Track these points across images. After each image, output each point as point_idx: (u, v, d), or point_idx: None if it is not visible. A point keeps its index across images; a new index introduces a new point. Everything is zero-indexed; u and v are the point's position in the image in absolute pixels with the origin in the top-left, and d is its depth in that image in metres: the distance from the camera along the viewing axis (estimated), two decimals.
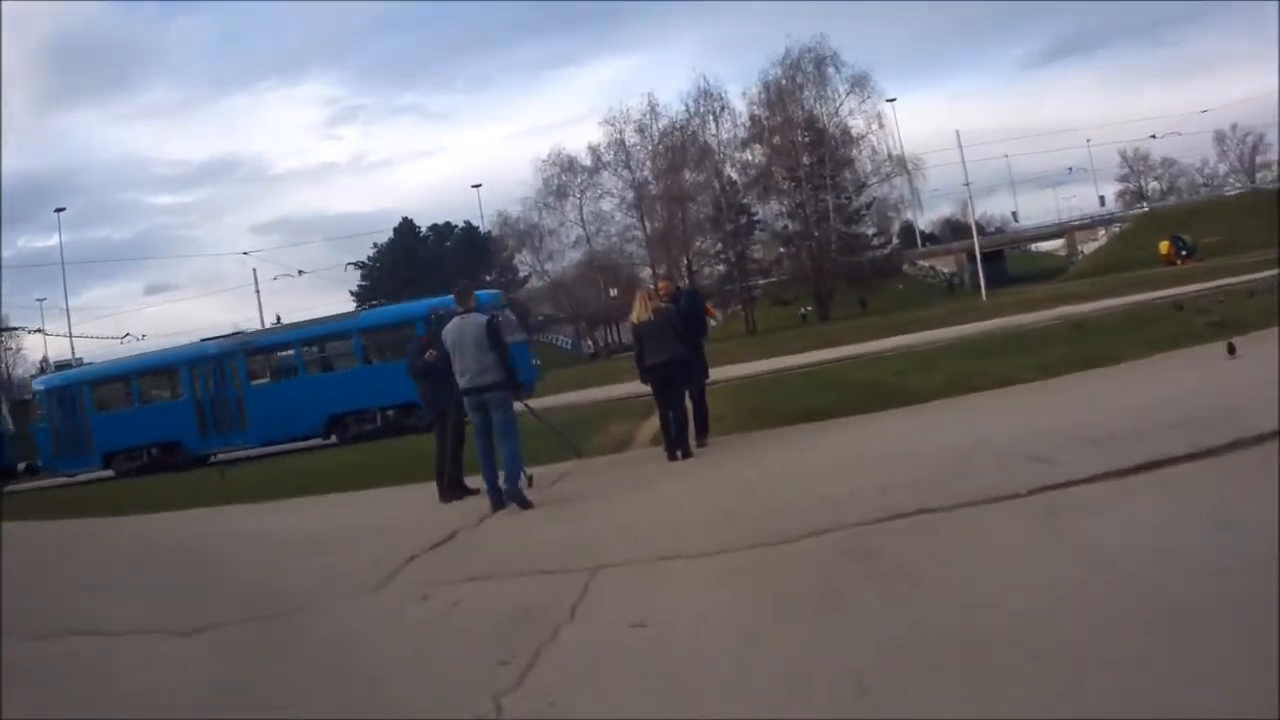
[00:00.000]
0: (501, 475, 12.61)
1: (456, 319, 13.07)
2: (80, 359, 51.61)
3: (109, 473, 35.62)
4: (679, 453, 14.47)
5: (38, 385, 39.81)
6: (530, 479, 13.24)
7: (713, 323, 18.82)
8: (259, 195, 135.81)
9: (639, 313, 14.80)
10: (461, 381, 12.88)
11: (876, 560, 7.61)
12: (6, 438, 42.49)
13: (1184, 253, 78.96)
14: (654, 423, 16.43)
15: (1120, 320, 26.17)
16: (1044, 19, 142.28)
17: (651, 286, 15.36)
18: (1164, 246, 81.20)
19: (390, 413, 33.41)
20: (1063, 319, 32.47)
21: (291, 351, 36.74)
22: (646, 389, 15.30)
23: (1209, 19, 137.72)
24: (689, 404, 15.08)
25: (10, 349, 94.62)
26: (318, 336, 36.78)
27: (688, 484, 12.44)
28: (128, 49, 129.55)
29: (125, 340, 67.30)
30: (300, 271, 77.00)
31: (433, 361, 13.60)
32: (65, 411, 36.82)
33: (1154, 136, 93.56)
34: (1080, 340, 21.79)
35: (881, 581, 7.11)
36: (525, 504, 12.37)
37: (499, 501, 12.53)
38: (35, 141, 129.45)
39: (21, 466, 40.51)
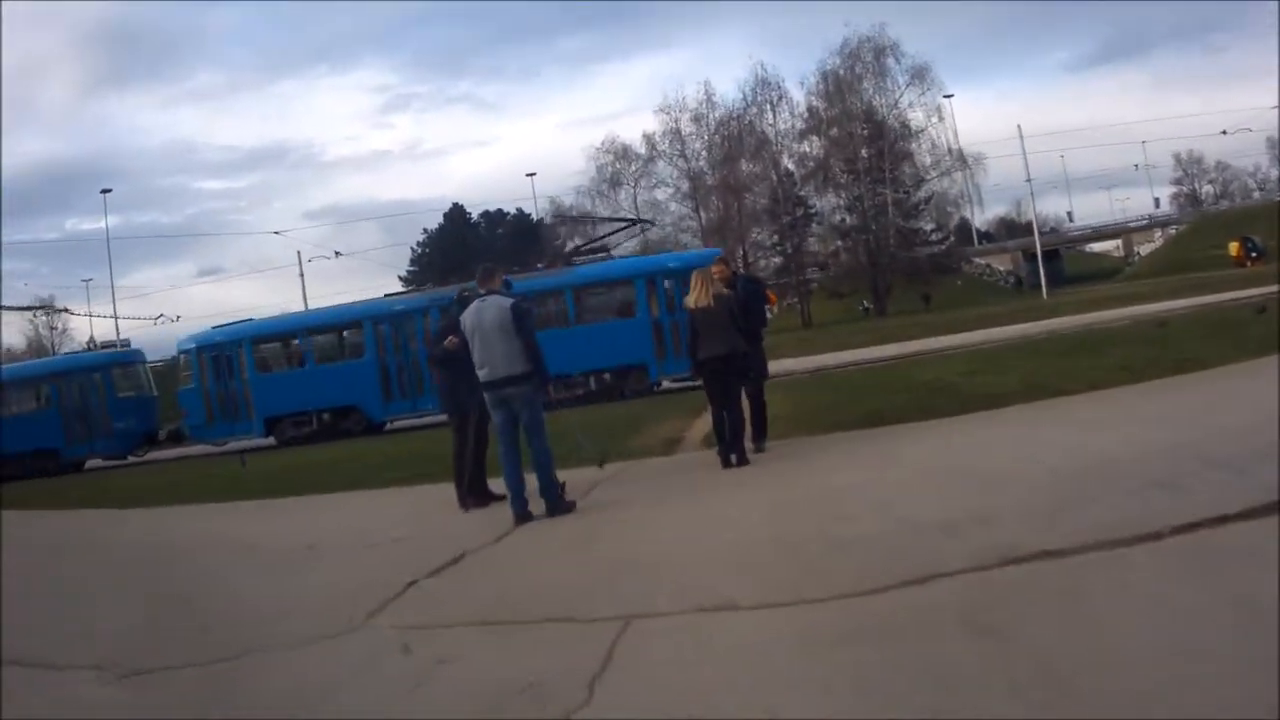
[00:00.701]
0: (530, 482, 11.24)
1: (476, 301, 11.55)
2: (126, 340, 49.80)
3: (269, 441, 34.15)
4: (734, 458, 12.75)
5: (185, 344, 36.44)
6: (562, 486, 11.58)
7: (772, 312, 17.33)
8: (310, 181, 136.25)
9: (698, 297, 13.04)
10: (482, 374, 11.39)
11: (1003, 639, 5.58)
12: (150, 402, 39.93)
13: (1254, 254, 75.85)
14: (706, 421, 14.73)
15: (1201, 322, 23.98)
16: (1090, 22, 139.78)
17: (709, 269, 13.42)
18: (1234, 247, 78.46)
19: (607, 375, 32.25)
20: (1135, 319, 30.77)
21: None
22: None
23: (1256, 24, 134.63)
24: (745, 403, 13.44)
25: (56, 329, 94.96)
26: (524, 294, 33.48)
27: (744, 499, 10.63)
28: (176, 34, 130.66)
29: (159, 321, 65.68)
30: (337, 253, 76.07)
31: (453, 350, 12.03)
32: (219, 373, 34.76)
33: (1225, 132, 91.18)
34: (1162, 342, 19.72)
35: (1013, 673, 5.09)
36: (565, 507, 11.14)
37: (523, 514, 11.08)
38: (83, 125, 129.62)
39: (163, 434, 38.35)
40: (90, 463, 37.42)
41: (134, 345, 44.23)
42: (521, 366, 11.14)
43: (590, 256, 36.59)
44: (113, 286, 75.70)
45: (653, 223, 35.73)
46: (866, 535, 8.09)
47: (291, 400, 33.91)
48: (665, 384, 32.52)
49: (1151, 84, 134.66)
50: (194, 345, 35.67)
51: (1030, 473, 9.51)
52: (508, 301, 11.33)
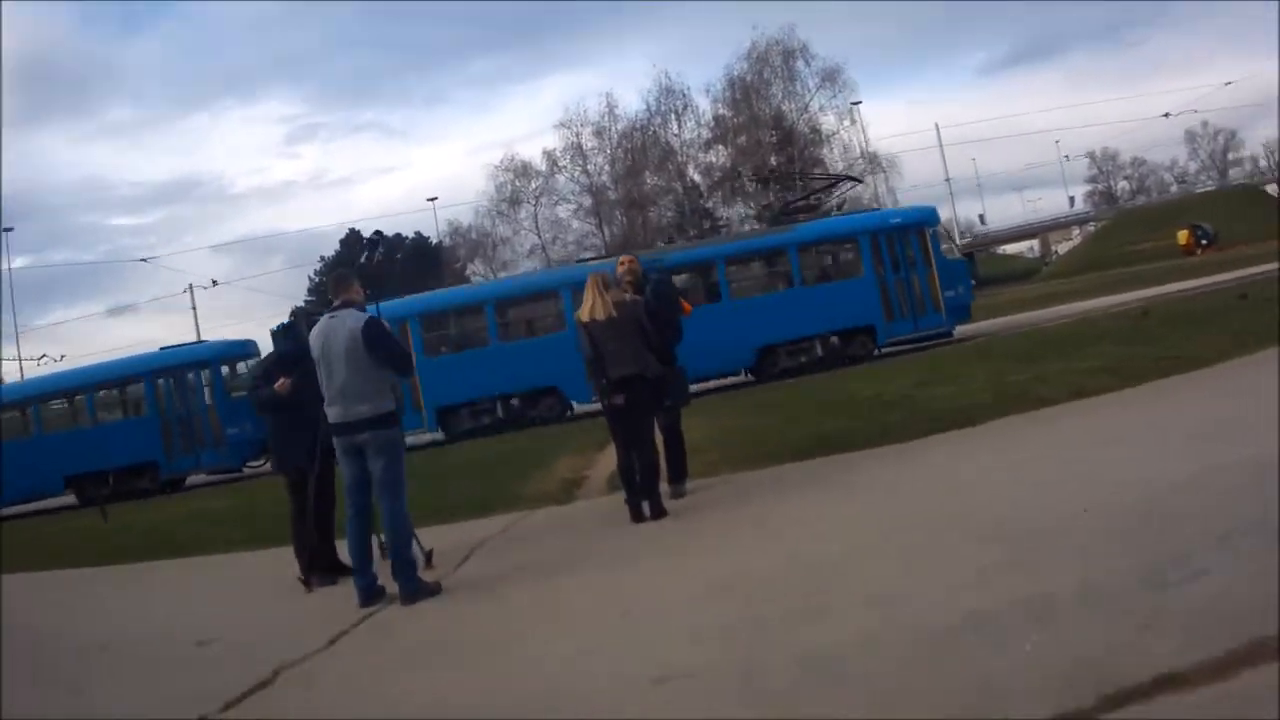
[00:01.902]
0: (382, 554, 9.11)
1: (324, 319, 8.99)
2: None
3: (438, 435, 29.70)
4: (647, 509, 10.20)
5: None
6: (429, 555, 9.59)
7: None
8: (219, 214, 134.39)
9: (593, 307, 10.43)
10: (330, 414, 8.83)
11: None
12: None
13: (1204, 241, 75.40)
14: (611, 456, 11.98)
15: (1182, 314, 21.07)
16: (1001, 24, 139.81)
17: (607, 271, 10.78)
18: (1183, 236, 77.88)
19: (834, 339, 29.41)
20: (1109, 312, 28.37)
21: (713, 271, 30.39)
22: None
23: (1170, 20, 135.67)
24: (655, 441, 10.76)
25: None
26: (745, 253, 31.54)
27: (662, 576, 7.96)
28: (86, 69, 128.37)
29: (42, 361, 62.47)
30: (214, 282, 72.96)
31: (283, 394, 9.82)
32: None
33: (1168, 115, 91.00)
34: (1140, 337, 17.46)
35: None
36: (425, 590, 8.52)
37: (369, 593, 8.66)
38: None
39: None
40: (193, 478, 31.73)
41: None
42: (376, 405, 8.60)
43: (797, 216, 33.50)
44: (16, 329, 72.51)
45: (861, 180, 32.69)
46: (849, 643, 5.40)
47: (471, 386, 29.48)
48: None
49: (1066, 83, 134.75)
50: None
51: (1041, 520, 7.15)
52: (360, 318, 8.67)
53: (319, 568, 9.79)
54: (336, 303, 8.90)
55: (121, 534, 16.93)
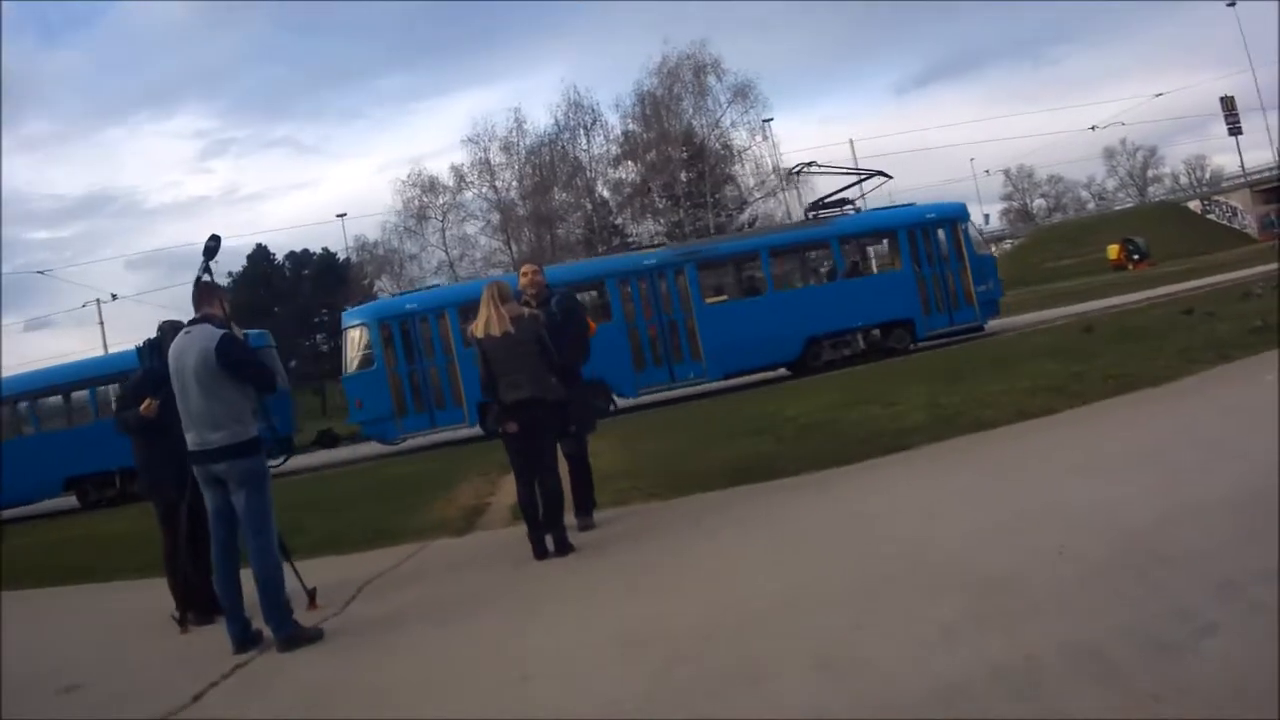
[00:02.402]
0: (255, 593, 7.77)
1: (180, 335, 8.03)
2: None
3: (475, 431, 28.18)
4: (551, 544, 9.36)
5: (358, 318, 30.09)
6: (312, 594, 8.72)
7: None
8: (134, 229, 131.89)
9: (488, 321, 9.50)
10: (188, 440, 7.86)
11: None
12: (287, 399, 31.50)
13: (1136, 256, 75.40)
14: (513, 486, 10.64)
15: (1125, 330, 20.02)
16: (917, 41, 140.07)
17: (505, 282, 9.96)
18: (1113, 250, 77.93)
19: (875, 332, 29.67)
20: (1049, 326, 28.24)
21: (756, 262, 30.45)
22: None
23: (1087, 36, 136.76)
24: (562, 466, 9.94)
25: None
26: (789, 245, 31.16)
27: (568, 628, 7.04)
28: (8, 81, 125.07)
29: None
30: (114, 295, 70.58)
31: (149, 417, 8.90)
32: (412, 352, 28.82)
33: (1094, 128, 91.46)
34: (1082, 354, 16.59)
35: None
36: (303, 637, 7.62)
37: (242, 640, 7.76)
38: None
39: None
40: None
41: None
42: (234, 431, 7.67)
43: (828, 212, 32.81)
44: None
45: (891, 176, 32.79)
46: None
47: None
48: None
49: (983, 101, 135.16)
50: (373, 318, 29.58)
51: (1036, 562, 6.29)
52: (213, 335, 7.74)
53: (195, 605, 8.87)
54: (196, 316, 8.01)
55: (6, 557, 15.85)
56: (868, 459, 11.44)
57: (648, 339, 29.21)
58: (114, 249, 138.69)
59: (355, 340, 29.53)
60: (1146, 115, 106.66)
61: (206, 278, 8.29)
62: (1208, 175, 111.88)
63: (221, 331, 7.76)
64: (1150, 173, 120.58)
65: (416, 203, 73.72)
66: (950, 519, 7.91)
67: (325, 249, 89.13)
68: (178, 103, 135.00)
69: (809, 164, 33.52)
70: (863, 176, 33.30)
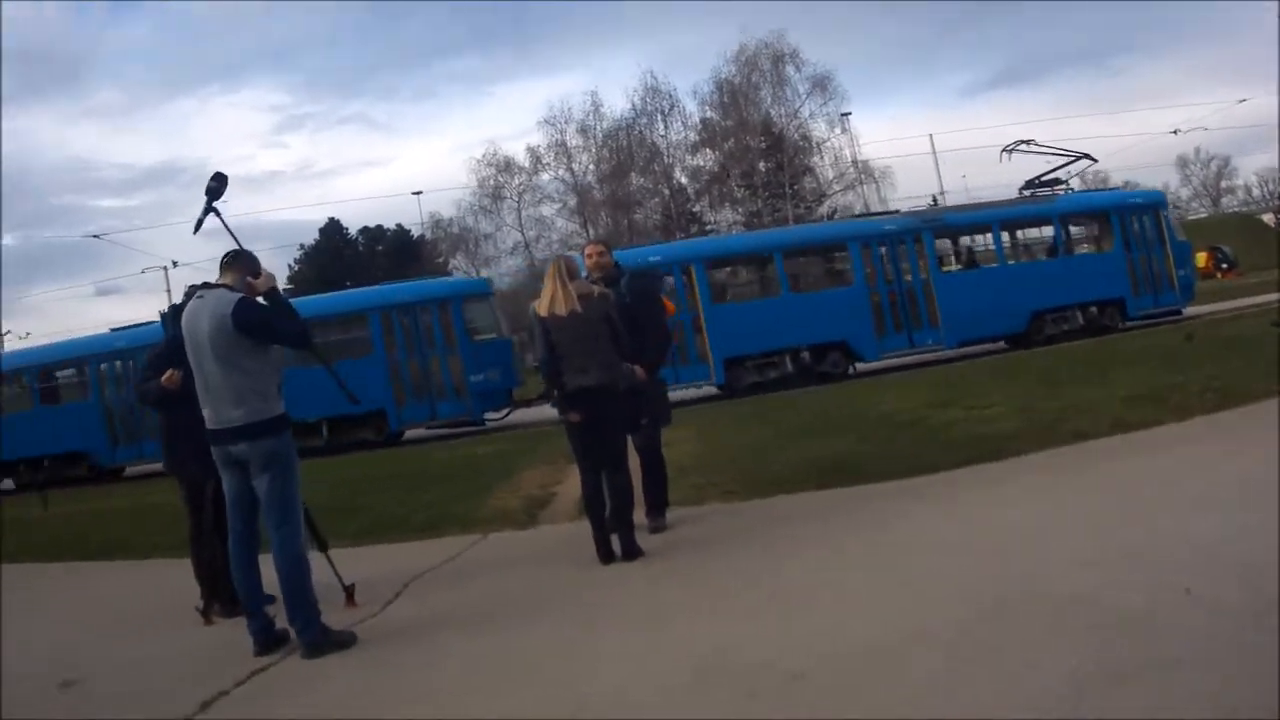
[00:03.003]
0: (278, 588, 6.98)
1: (193, 300, 7.18)
2: None
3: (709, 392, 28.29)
4: (618, 548, 8.40)
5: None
6: (350, 591, 7.92)
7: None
8: (203, 201, 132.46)
9: (554, 299, 8.53)
10: (205, 416, 7.04)
11: None
12: (507, 348, 29.92)
13: (1224, 265, 73.96)
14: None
15: (1223, 339, 18.74)
16: (986, 47, 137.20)
17: (573, 258, 9.03)
18: (1202, 258, 76.58)
19: (1093, 309, 29.40)
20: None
21: (988, 235, 30.47)
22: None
23: (1153, 46, 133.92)
24: (628, 465, 8.92)
25: None
26: (1018, 219, 31.00)
27: (632, 651, 5.99)
28: (77, 52, 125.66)
29: (7, 336, 60.76)
30: (174, 263, 70.57)
31: (172, 388, 8.07)
32: None
33: (1176, 131, 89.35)
34: (1180, 363, 15.30)
35: None
36: (332, 641, 6.77)
37: (264, 640, 6.94)
38: None
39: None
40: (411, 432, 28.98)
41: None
42: (255, 408, 6.83)
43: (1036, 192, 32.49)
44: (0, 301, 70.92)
45: (1096, 159, 33.12)
46: None
47: (759, 338, 27.75)
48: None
49: (1051, 107, 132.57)
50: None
51: (1167, 601, 5.31)
52: (229, 299, 6.85)
53: (221, 596, 8.07)
54: (215, 281, 7.15)
55: (36, 529, 15.22)
56: (962, 466, 10.44)
57: (888, 303, 28.75)
58: (183, 219, 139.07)
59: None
60: (1226, 121, 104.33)
61: (217, 230, 7.51)
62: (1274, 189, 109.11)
63: (238, 295, 6.86)
64: (1224, 183, 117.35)
65: (492, 182, 73.29)
66: (1062, 544, 6.88)
67: (399, 225, 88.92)
68: (251, 77, 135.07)
69: (1026, 141, 32.78)
70: (1072, 159, 32.86)
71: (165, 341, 8.41)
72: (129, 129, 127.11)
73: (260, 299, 7.00)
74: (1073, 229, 31.01)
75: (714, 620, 6.38)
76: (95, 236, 68.56)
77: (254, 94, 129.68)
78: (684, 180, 74.69)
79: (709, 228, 72.52)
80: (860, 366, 28.65)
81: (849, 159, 70.34)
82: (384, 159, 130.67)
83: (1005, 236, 30.63)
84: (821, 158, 71.71)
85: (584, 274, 9.17)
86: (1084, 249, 31.01)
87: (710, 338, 27.55)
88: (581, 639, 6.37)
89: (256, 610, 6.94)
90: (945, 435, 12.12)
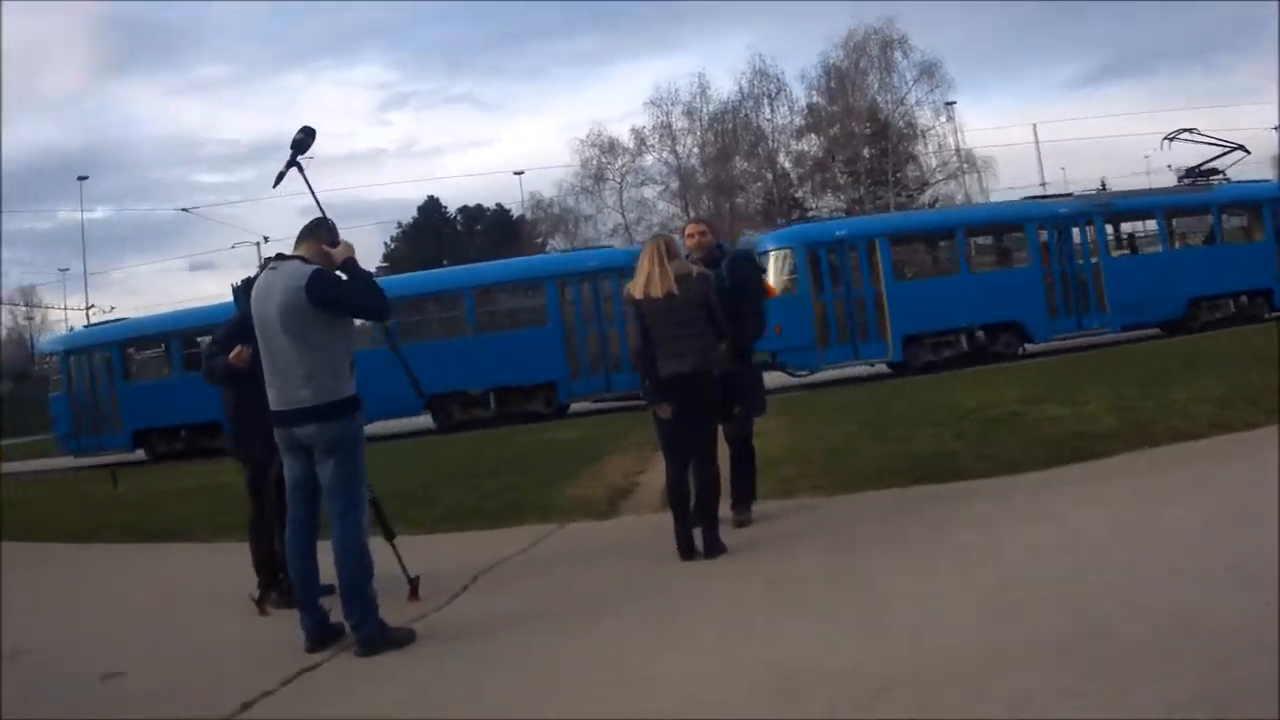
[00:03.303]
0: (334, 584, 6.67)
1: (264, 273, 6.83)
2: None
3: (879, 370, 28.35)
4: (701, 544, 7.92)
5: (788, 240, 29.28)
6: (415, 584, 7.53)
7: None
8: (309, 176, 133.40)
9: (649, 280, 8.02)
10: (270, 398, 6.64)
11: None
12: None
13: None
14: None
15: None
16: (1092, 40, 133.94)
17: (672, 238, 8.55)
18: None
19: (1243, 298, 29.07)
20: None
21: (1152, 221, 30.54)
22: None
23: (1259, 45, 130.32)
24: (717, 456, 8.42)
25: (34, 319, 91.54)
26: (1181, 207, 31.05)
27: (709, 658, 5.53)
28: (180, 25, 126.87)
29: (92, 311, 61.41)
30: (265, 239, 71.16)
31: (240, 366, 7.67)
32: (837, 280, 27.85)
33: (1277, 128, 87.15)
34: (1246, 365, 14.28)
35: None
36: (389, 639, 6.37)
37: (317, 635, 6.55)
38: (84, 115, 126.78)
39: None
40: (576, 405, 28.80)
41: None
42: (325, 388, 6.41)
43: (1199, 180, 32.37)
44: (85, 276, 71.46)
45: (1249, 151, 33.83)
46: None
47: (937, 315, 27.82)
48: None
49: (1152, 102, 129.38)
50: (799, 243, 28.81)
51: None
52: (303, 271, 6.41)
53: (279, 586, 7.74)
54: (291, 253, 6.74)
55: (105, 509, 15.00)
56: (1058, 465, 9.94)
57: (1060, 285, 28.61)
58: (284, 195, 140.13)
59: (779, 264, 28.34)
60: None
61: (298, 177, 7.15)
62: None
63: (313, 267, 6.45)
64: None
65: (595, 163, 72.92)
66: (1165, 554, 6.34)
67: (499, 204, 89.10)
68: (358, 53, 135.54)
69: (1189, 129, 32.43)
70: (1229, 149, 32.47)
71: (236, 317, 8.02)
72: (234, 103, 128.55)
73: (339, 271, 6.61)
74: (1227, 219, 30.65)
75: (795, 624, 5.94)
76: (185, 210, 69.15)
77: (360, 71, 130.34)
78: (787, 165, 73.92)
79: (810, 214, 71.91)
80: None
81: (952, 148, 69.28)
82: (487, 139, 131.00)
83: (1169, 224, 30.52)
84: (925, 146, 70.71)
85: (684, 254, 8.66)
86: (1236, 239, 30.80)
87: (891, 314, 27.39)
88: (654, 641, 5.98)
89: (311, 603, 6.58)
90: (1040, 433, 11.53)
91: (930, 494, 9.44)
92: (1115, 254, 29.61)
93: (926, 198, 70.19)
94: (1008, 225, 30.13)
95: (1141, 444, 10.27)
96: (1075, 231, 29.04)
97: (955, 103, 68.53)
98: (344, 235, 6.82)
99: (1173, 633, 4.82)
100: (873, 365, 28.12)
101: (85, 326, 31.06)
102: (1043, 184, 71.79)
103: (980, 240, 30.55)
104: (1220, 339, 22.08)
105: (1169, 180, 35.67)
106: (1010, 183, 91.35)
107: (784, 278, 27.85)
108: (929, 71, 68.09)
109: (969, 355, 27.31)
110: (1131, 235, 30.96)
